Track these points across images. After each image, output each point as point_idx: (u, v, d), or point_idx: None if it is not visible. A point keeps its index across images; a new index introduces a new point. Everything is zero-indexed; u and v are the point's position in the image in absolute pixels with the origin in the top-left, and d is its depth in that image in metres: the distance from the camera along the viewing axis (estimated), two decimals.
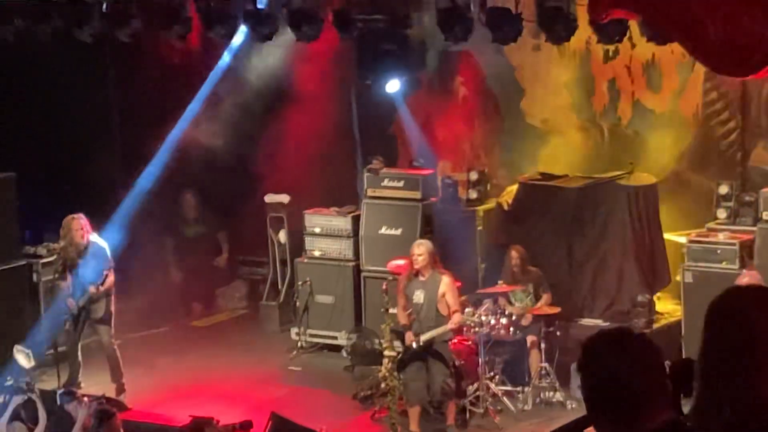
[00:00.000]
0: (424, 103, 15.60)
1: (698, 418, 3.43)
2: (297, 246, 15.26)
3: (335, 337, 14.61)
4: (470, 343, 12.58)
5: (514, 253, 12.97)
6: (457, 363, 12.26)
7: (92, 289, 13.05)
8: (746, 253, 12.72)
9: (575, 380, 11.79)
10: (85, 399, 9.92)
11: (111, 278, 13.17)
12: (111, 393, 12.07)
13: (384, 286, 12.51)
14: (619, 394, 3.33)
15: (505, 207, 14.18)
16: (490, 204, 14.45)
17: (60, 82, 14.96)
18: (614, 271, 13.44)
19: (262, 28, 12.52)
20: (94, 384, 13.08)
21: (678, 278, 13.11)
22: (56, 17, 12.95)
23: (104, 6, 12.70)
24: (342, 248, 14.80)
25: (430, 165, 14.91)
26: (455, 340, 12.49)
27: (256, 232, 15.85)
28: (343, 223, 14.82)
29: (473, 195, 14.54)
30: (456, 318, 11.90)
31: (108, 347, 13.33)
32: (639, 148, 14.59)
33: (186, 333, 15.47)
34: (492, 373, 12.63)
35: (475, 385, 12.36)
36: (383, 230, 14.45)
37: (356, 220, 14.72)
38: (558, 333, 12.73)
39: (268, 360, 14.56)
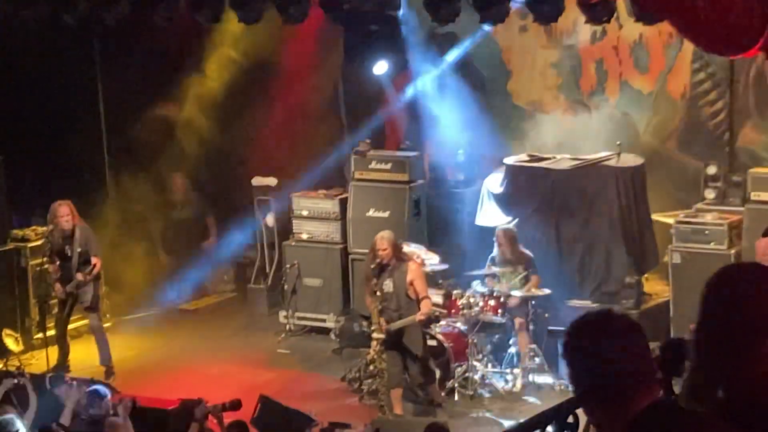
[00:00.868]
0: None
1: (691, 398, 3.43)
2: (285, 229, 15.23)
3: (323, 320, 14.60)
4: (458, 324, 12.59)
5: (502, 235, 12.95)
6: (445, 345, 12.26)
7: (80, 276, 13.06)
8: (734, 234, 12.73)
9: (563, 362, 11.78)
10: (74, 383, 9.91)
11: (99, 264, 13.19)
12: (100, 376, 12.05)
13: None
14: (605, 376, 3.33)
15: (493, 189, 14.16)
16: (478, 186, 14.43)
17: (46, 66, 14.91)
18: (602, 253, 13.41)
19: (249, 10, 12.47)
20: (83, 368, 13.09)
21: (666, 259, 13.12)
22: (42, 1, 12.89)
23: None
24: (330, 231, 14.76)
25: (417, 147, 14.88)
26: (444, 323, 12.50)
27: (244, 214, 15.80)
28: (331, 206, 14.78)
29: (460, 177, 14.49)
30: (425, 308, 11.85)
31: (97, 331, 13.36)
32: (627, 129, 14.57)
33: (174, 316, 15.45)
34: (480, 355, 12.64)
35: (464, 366, 12.37)
36: (371, 213, 14.42)
37: (344, 203, 14.68)
38: (546, 315, 12.73)
39: (256, 343, 14.55)
